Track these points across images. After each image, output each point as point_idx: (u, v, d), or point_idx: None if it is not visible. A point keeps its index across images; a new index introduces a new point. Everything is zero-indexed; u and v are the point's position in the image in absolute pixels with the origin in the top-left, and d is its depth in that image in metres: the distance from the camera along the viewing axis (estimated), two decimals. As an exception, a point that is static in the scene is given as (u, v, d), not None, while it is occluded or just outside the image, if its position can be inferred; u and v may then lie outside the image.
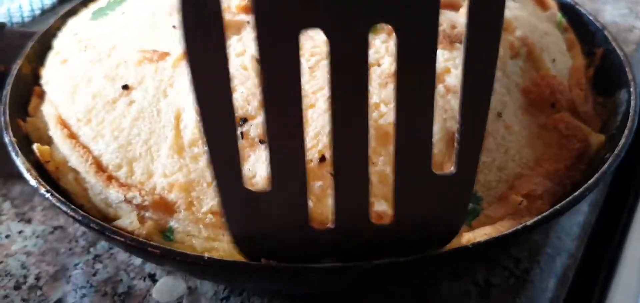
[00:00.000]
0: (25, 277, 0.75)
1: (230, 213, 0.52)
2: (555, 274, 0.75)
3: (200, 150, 0.66)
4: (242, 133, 0.66)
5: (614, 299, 0.84)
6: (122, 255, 0.76)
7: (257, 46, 0.44)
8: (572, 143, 0.74)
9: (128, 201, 0.65)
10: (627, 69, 0.82)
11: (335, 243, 0.55)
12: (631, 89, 0.78)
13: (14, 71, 0.83)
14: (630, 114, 0.74)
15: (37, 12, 1.22)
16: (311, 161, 0.64)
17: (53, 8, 1.25)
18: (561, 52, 0.86)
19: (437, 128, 0.66)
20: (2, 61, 0.88)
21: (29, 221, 0.83)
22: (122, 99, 0.73)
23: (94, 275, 0.75)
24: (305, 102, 0.67)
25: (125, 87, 0.73)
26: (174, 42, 0.77)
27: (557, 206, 0.62)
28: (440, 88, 0.70)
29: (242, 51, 0.75)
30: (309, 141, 0.65)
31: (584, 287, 0.91)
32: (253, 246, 0.55)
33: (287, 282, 0.61)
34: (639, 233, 0.91)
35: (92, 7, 0.96)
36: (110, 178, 0.68)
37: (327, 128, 0.65)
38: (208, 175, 0.64)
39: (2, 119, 0.75)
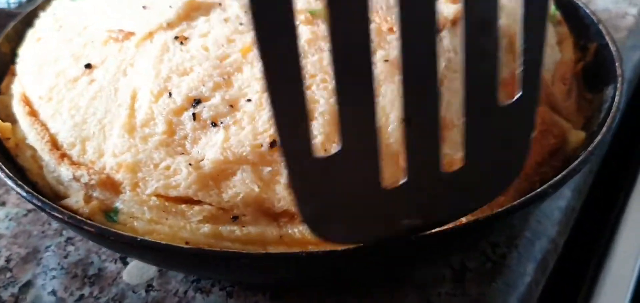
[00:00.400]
0: (-5, 258, 0.75)
1: (299, 185, 0.48)
2: (534, 259, 0.72)
3: (151, 130, 0.65)
4: (194, 114, 0.64)
5: (602, 293, 0.81)
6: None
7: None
8: (547, 138, 0.70)
9: (76, 179, 0.64)
10: (617, 64, 0.77)
11: (409, 199, 0.52)
12: (617, 85, 0.74)
13: (-9, 48, 0.84)
14: (612, 110, 0.70)
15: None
16: (261, 145, 0.61)
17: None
18: (549, 45, 0.82)
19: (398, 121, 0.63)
20: (-13, 41, 0.88)
21: (3, 204, 0.83)
22: (84, 77, 0.72)
23: (65, 257, 0.74)
24: (262, 85, 0.65)
25: (88, 66, 0.73)
26: (142, 21, 0.76)
27: (522, 199, 0.59)
28: (405, 75, 0.67)
29: (206, 32, 0.73)
30: (260, 125, 0.63)
31: (573, 278, 0.88)
32: (326, 224, 0.51)
33: (228, 268, 0.59)
34: (631, 223, 0.87)
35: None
36: (63, 156, 0.67)
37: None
38: (156, 157, 0.63)
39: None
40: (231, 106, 0.65)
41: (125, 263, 0.73)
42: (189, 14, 0.77)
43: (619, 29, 1.10)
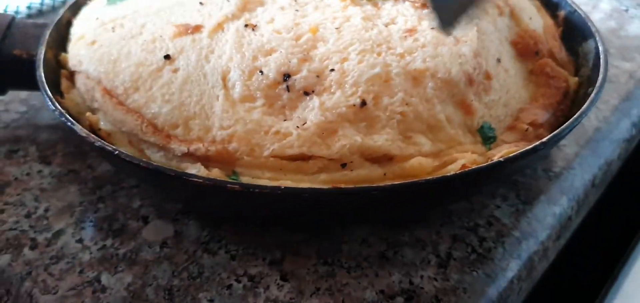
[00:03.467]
0: (35, 208, 0.81)
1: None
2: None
3: (252, 104, 0.74)
4: (287, 86, 0.75)
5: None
6: (123, 199, 0.83)
7: None
8: (558, 82, 0.87)
9: (191, 153, 0.72)
10: (589, 24, 0.96)
11: None
12: (597, 38, 0.92)
13: (41, 55, 0.88)
14: (601, 57, 0.87)
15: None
16: (354, 105, 0.73)
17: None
18: (534, 13, 1.00)
19: (454, 71, 0.77)
20: (22, 47, 0.91)
21: (49, 163, 0.89)
22: (167, 67, 0.79)
23: (95, 212, 0.81)
24: (339, 56, 0.76)
25: (167, 57, 0.80)
26: (204, 16, 0.85)
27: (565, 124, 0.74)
28: (450, 38, 0.81)
29: (270, 19, 0.83)
30: (348, 89, 0.74)
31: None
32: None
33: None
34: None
35: (102, -2, 1.01)
36: (168, 136, 0.74)
37: (364, 77, 0.74)
38: (264, 124, 0.72)
39: (45, 94, 0.80)
40: (318, 76, 0.75)
41: (147, 223, 0.80)
42: (246, 6, 0.86)
43: None
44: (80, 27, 0.94)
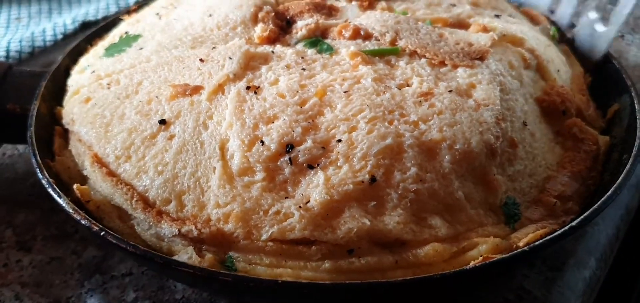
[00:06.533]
0: (17, 308, 0.74)
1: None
2: None
3: (251, 178, 0.68)
4: (290, 159, 0.68)
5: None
6: (114, 291, 0.75)
7: None
8: (588, 145, 0.79)
9: (183, 235, 0.66)
10: (624, 76, 0.88)
11: None
12: (633, 94, 0.84)
13: (33, 111, 0.83)
14: (638, 118, 0.79)
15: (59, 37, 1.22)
16: (362, 182, 0.66)
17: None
18: (562, 62, 0.92)
19: (475, 142, 0.70)
20: (16, 101, 0.86)
21: (28, 250, 0.81)
22: (161, 133, 0.73)
23: None
24: (347, 125, 0.70)
25: (163, 122, 0.74)
26: (204, 75, 0.79)
27: (597, 204, 0.67)
28: (470, 102, 0.74)
29: (274, 80, 0.77)
30: (356, 163, 0.67)
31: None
32: None
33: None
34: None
35: (101, 44, 0.96)
36: (160, 213, 0.68)
37: (374, 149, 0.67)
38: (263, 203, 0.66)
39: (34, 159, 0.75)
40: (323, 147, 0.69)
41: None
42: (249, 63, 0.80)
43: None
44: (76, 79, 0.89)
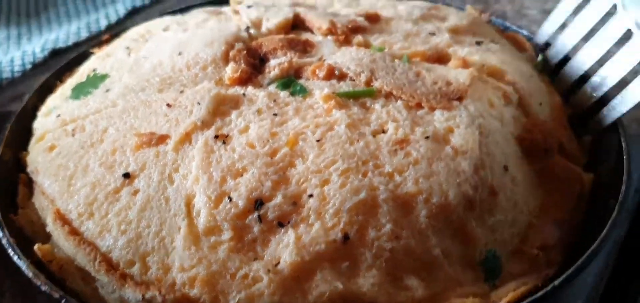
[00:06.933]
0: None
1: None
2: None
3: (218, 238, 0.65)
4: (259, 216, 0.65)
5: None
6: None
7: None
8: (571, 186, 0.76)
9: (147, 300, 0.63)
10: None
11: None
12: (620, 131, 0.81)
13: (-5, 161, 0.79)
14: (624, 158, 0.77)
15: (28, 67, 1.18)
16: (334, 241, 0.63)
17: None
18: (544, 92, 0.89)
19: (452, 194, 0.67)
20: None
21: None
22: (125, 188, 0.70)
23: None
24: (319, 178, 0.67)
25: (127, 175, 0.71)
26: (171, 122, 0.75)
27: (580, 260, 0.64)
28: (447, 150, 0.71)
29: (244, 128, 0.74)
30: (329, 220, 0.64)
31: None
32: None
33: None
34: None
35: (69, 82, 0.93)
36: (123, 276, 0.65)
37: (347, 204, 0.64)
38: (230, 266, 0.63)
39: (-5, 220, 0.71)
40: (294, 203, 0.66)
41: None
42: (219, 108, 0.77)
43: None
44: (42, 123, 0.86)
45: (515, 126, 0.81)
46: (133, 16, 1.38)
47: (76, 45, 1.24)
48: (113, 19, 1.34)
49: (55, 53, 1.22)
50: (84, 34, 1.28)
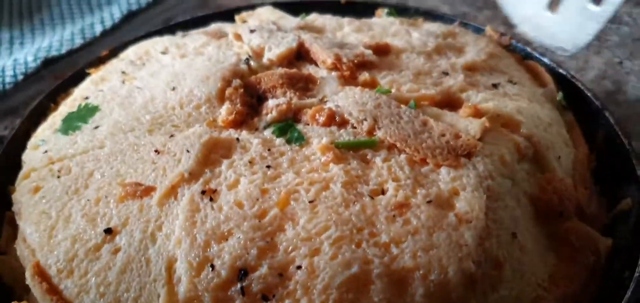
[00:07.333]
0: None
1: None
2: None
3: (200, 309, 0.61)
4: (242, 288, 0.61)
5: None
6: None
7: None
8: (586, 256, 0.70)
9: None
10: (634, 162, 0.78)
11: None
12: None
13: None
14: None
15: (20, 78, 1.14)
16: (322, 320, 0.59)
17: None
18: (565, 142, 0.83)
19: (452, 271, 0.61)
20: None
21: None
22: (106, 245, 0.66)
23: None
24: (309, 247, 0.62)
25: (108, 231, 0.67)
26: (158, 172, 0.71)
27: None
28: (450, 218, 0.65)
29: (234, 182, 0.69)
30: (317, 297, 0.60)
31: None
32: None
33: None
34: None
35: (61, 109, 0.89)
36: (101, 345, 0.62)
37: (337, 280, 0.60)
38: (212, 340, 0.59)
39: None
40: (280, 274, 0.61)
41: None
42: (209, 156, 0.72)
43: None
44: (29, 157, 0.82)
45: (530, 184, 0.75)
46: (129, 20, 1.32)
47: (70, 53, 1.18)
48: (108, 23, 1.27)
49: (48, 62, 1.16)
50: (78, 41, 1.22)
